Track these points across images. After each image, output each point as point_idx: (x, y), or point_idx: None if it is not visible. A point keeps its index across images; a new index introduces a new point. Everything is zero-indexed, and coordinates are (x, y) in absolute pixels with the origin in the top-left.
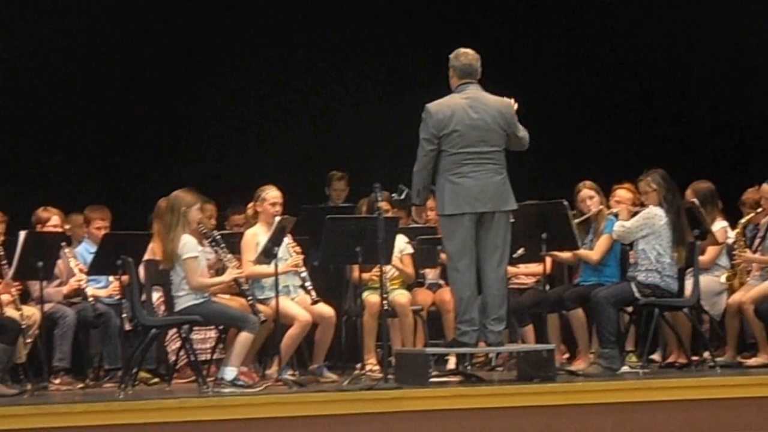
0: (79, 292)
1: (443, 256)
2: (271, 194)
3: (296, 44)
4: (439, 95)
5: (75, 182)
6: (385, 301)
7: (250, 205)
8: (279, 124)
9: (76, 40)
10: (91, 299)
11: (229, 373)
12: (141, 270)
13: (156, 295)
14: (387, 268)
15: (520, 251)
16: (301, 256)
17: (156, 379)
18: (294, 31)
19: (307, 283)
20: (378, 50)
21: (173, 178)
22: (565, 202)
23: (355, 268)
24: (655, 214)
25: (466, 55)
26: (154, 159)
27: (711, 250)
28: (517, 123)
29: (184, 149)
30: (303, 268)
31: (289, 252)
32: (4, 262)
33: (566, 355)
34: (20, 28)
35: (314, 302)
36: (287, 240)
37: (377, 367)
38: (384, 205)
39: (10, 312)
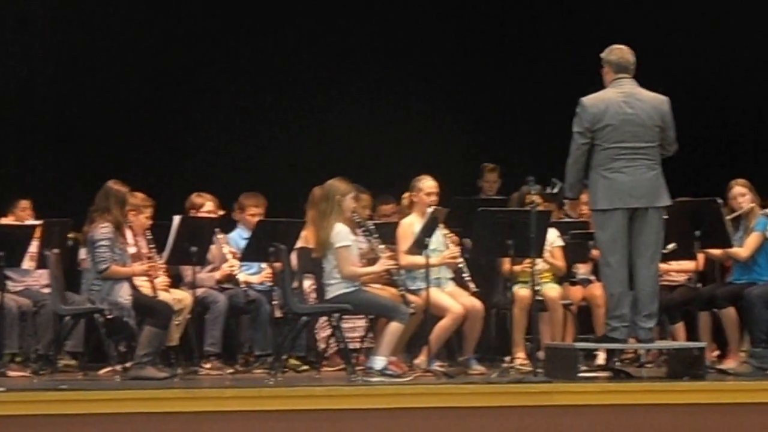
0: (231, 277)
1: (594, 251)
2: (427, 184)
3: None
4: (595, 88)
5: (226, 168)
6: (536, 295)
7: (406, 194)
8: (434, 114)
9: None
10: (242, 285)
11: (379, 362)
12: (293, 257)
13: (307, 283)
14: (537, 261)
15: (671, 246)
16: (459, 248)
17: (305, 367)
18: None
19: (465, 275)
20: (532, 43)
21: (325, 167)
22: (719, 200)
23: (506, 260)
24: None
25: (621, 51)
26: (300, 147)
27: None
28: (671, 121)
29: (339, 137)
30: (461, 260)
31: (445, 243)
32: (153, 245)
33: (716, 354)
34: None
35: (472, 294)
36: (444, 231)
37: (526, 361)
38: (536, 198)
39: (163, 296)
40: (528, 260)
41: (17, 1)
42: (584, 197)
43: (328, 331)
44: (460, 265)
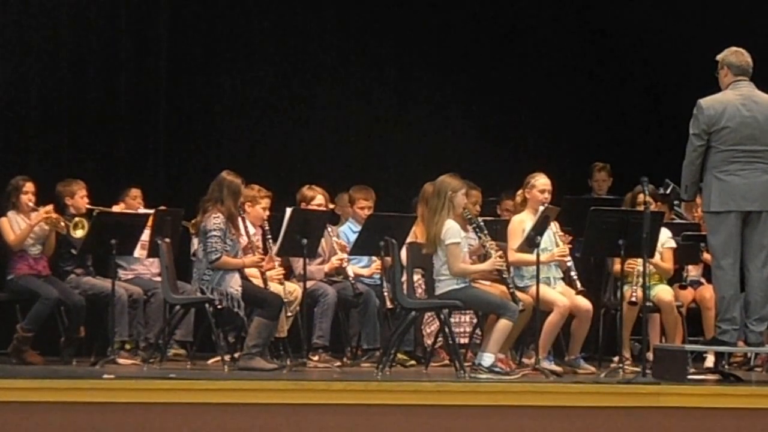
0: (339, 270)
1: (706, 254)
2: (541, 181)
3: None
4: (712, 91)
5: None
6: (646, 297)
7: (519, 191)
8: (546, 112)
9: None
10: (351, 278)
11: (487, 359)
12: (403, 252)
13: (415, 278)
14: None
15: None
16: (568, 246)
17: (412, 362)
18: None
19: (573, 273)
20: (649, 43)
21: (435, 162)
22: None
23: (617, 260)
24: None
25: (741, 53)
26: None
27: None
28: None
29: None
30: (569, 258)
31: (555, 241)
32: (269, 236)
33: None
34: None
35: (578, 292)
36: (554, 229)
37: (629, 361)
38: (649, 198)
39: (274, 287)
40: (634, 260)
41: None
42: (700, 200)
43: (434, 327)
44: (569, 264)
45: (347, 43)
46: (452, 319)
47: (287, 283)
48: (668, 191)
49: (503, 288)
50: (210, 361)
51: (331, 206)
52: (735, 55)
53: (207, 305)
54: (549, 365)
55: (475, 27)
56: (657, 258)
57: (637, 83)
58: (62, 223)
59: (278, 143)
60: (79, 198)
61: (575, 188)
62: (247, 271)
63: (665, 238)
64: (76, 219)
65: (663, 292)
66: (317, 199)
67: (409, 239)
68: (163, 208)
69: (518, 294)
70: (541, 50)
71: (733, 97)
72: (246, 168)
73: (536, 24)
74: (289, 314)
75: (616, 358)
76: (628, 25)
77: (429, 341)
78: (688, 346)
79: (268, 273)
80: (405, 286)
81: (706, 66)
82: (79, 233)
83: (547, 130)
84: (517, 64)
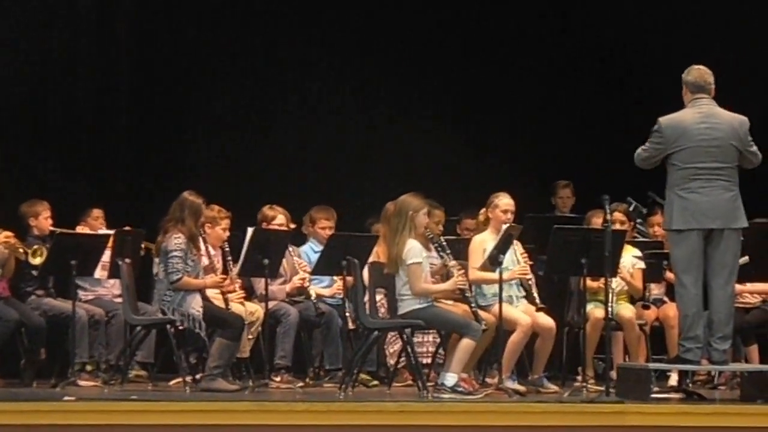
0: (301, 290)
1: (669, 273)
2: (504, 201)
3: None
4: (672, 109)
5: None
6: (610, 315)
7: (482, 210)
8: (508, 129)
9: None
10: (314, 298)
11: (450, 379)
12: (365, 272)
13: (377, 297)
14: (615, 281)
15: (744, 259)
16: (529, 264)
17: (375, 382)
18: None
19: (533, 291)
20: (611, 63)
21: (394, 180)
22: None
23: (580, 279)
24: None
25: (698, 71)
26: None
27: None
28: (750, 140)
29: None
30: (530, 276)
31: (517, 260)
32: (229, 257)
33: None
34: None
35: (538, 309)
36: (517, 248)
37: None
38: (618, 216)
39: (236, 308)
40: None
41: None
42: (658, 218)
43: (397, 346)
44: (530, 282)
45: (309, 63)
46: (415, 339)
47: (249, 304)
48: (631, 209)
49: (466, 307)
50: (171, 383)
51: (293, 226)
52: (692, 72)
53: (168, 326)
54: (512, 384)
55: (435, 49)
56: (627, 276)
57: (601, 100)
58: (21, 249)
59: (239, 163)
60: (43, 219)
61: (538, 206)
62: (208, 291)
63: (635, 259)
64: (35, 246)
65: (624, 309)
66: (278, 218)
67: (371, 259)
68: (127, 228)
69: (481, 313)
70: (503, 69)
71: (692, 115)
72: (207, 188)
73: (498, 44)
74: (251, 335)
75: (579, 377)
76: (592, 42)
77: (392, 361)
78: (652, 365)
79: (228, 295)
80: (367, 306)
81: (669, 82)
82: (37, 260)
83: (509, 148)
84: (479, 83)
